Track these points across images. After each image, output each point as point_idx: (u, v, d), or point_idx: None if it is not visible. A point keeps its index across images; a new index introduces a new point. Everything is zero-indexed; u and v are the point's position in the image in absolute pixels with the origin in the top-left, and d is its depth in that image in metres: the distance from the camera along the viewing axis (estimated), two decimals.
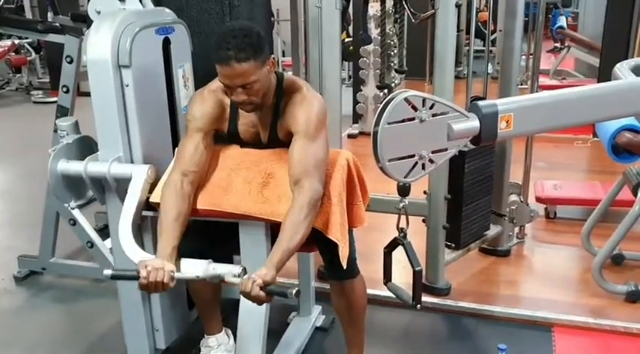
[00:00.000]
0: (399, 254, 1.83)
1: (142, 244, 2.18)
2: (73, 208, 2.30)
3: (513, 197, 3.33)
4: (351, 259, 2.10)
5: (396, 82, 5.47)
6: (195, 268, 1.81)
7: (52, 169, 2.14)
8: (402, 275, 2.15)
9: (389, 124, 1.31)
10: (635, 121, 2.53)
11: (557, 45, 8.10)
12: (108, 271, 1.77)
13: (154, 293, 1.77)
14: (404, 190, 1.66)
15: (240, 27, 1.87)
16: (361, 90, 5.71)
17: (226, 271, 1.79)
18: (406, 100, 1.32)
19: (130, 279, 1.79)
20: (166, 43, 2.20)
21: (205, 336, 2.38)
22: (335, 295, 2.21)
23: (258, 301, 1.75)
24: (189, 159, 1.96)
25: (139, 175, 2.03)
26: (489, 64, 3.63)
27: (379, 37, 4.88)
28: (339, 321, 2.30)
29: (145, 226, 2.17)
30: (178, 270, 1.81)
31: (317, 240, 2.05)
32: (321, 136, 1.92)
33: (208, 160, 2.00)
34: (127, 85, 2.02)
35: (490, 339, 2.57)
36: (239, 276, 1.77)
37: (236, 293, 2.16)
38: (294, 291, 1.71)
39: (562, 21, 7.51)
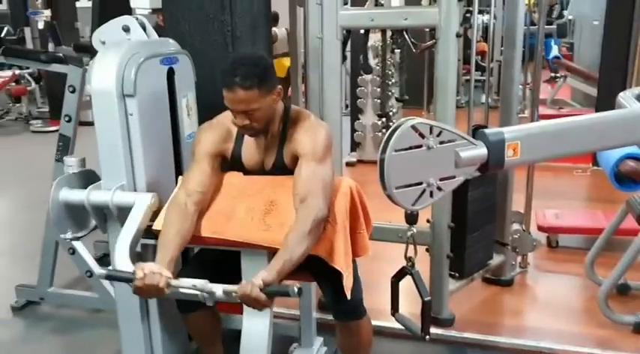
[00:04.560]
0: (401, 283, 1.81)
1: None
2: (71, 240, 2.26)
3: (515, 226, 3.32)
4: (357, 299, 2.04)
5: (394, 110, 5.51)
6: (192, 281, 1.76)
7: (54, 198, 2.12)
8: (406, 305, 2.11)
9: (396, 151, 1.31)
10: (637, 150, 2.53)
11: (553, 74, 8.17)
12: (102, 270, 1.72)
13: (148, 298, 1.69)
14: (412, 219, 1.64)
15: (250, 56, 1.93)
16: (359, 118, 5.76)
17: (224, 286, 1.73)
18: (413, 127, 1.31)
19: (126, 280, 1.74)
20: (171, 73, 2.21)
21: None
22: (340, 335, 2.15)
23: (259, 305, 1.69)
24: (194, 180, 1.97)
25: (142, 203, 2.02)
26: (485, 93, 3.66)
27: (378, 67, 4.93)
28: None
29: (147, 254, 2.14)
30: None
31: (318, 273, 2.02)
32: (327, 160, 1.93)
33: (213, 184, 1.99)
34: (132, 114, 2.02)
35: None
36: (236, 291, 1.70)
37: (238, 324, 2.13)
38: (295, 288, 1.63)
39: (555, 51, 7.60)
